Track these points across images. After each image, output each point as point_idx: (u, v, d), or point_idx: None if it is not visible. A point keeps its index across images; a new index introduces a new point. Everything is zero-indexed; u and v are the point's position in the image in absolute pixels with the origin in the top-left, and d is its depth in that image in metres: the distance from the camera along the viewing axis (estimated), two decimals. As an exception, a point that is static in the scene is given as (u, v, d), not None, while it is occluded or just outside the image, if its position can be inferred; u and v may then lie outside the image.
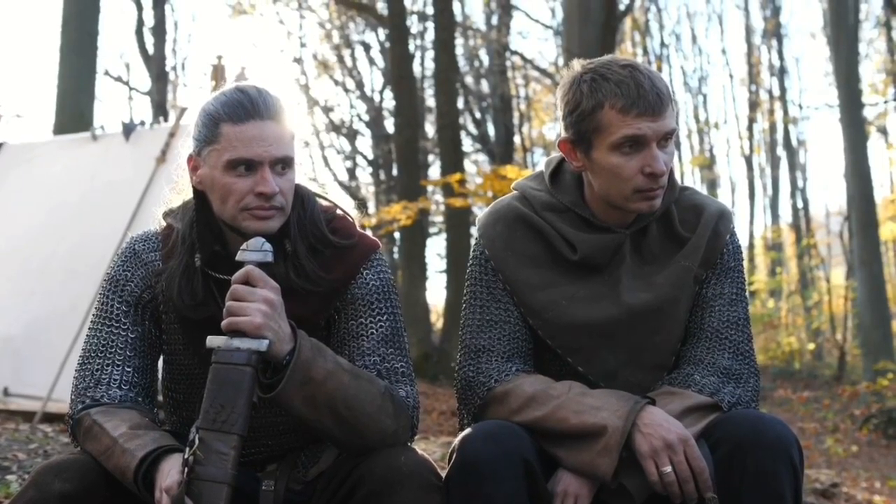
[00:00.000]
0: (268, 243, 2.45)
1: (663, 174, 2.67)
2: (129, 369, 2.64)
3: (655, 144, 2.66)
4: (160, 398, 2.83)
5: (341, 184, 31.75)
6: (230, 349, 2.37)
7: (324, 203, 2.77)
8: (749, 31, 37.34)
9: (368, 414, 2.45)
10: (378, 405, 2.48)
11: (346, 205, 2.81)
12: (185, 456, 2.30)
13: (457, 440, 2.57)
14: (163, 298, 2.67)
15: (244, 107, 2.51)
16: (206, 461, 2.29)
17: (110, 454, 2.41)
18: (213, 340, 2.40)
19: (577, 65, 2.78)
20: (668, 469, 2.51)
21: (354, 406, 2.43)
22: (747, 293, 2.93)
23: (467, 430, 2.59)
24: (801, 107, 37.65)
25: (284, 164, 2.54)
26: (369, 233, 2.78)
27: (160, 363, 2.77)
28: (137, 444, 2.39)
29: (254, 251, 2.44)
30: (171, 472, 2.31)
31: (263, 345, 2.36)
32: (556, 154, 2.96)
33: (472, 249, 2.92)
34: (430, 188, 19.49)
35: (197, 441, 2.31)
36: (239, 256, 2.45)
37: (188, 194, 2.71)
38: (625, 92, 2.64)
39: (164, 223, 2.77)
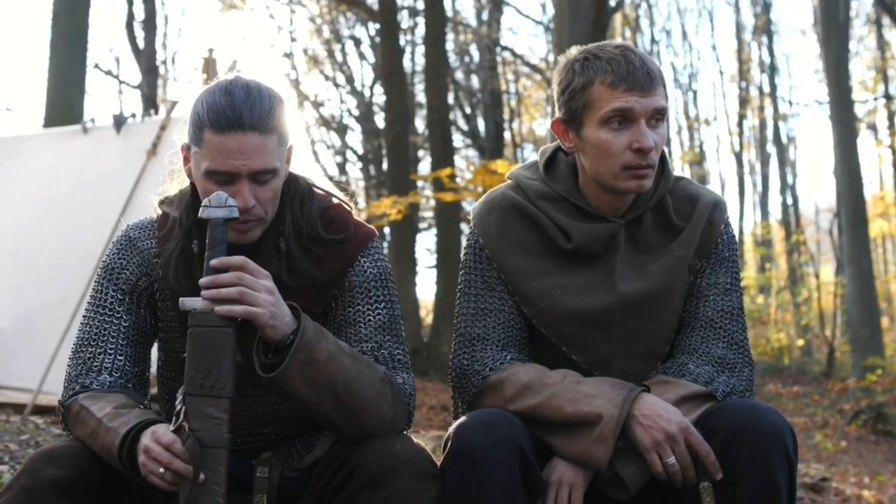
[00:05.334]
0: (231, 199, 2.41)
1: (651, 150, 2.67)
2: (120, 357, 2.64)
3: (645, 122, 2.67)
4: (154, 391, 2.82)
5: (331, 178, 31.68)
6: (207, 311, 2.35)
7: (320, 193, 2.76)
8: (739, 28, 37.44)
9: (368, 398, 2.45)
10: (377, 390, 2.48)
11: (344, 195, 2.81)
12: (178, 422, 2.31)
13: (451, 429, 2.56)
14: (159, 286, 2.67)
15: (227, 116, 2.46)
16: (200, 427, 2.29)
17: (96, 435, 2.41)
18: (187, 303, 2.39)
19: (574, 49, 2.79)
20: (672, 460, 2.52)
21: (355, 390, 2.43)
22: (742, 283, 2.94)
23: (462, 419, 2.58)
24: (790, 103, 37.87)
25: (266, 173, 2.50)
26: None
27: (154, 351, 2.76)
28: (121, 421, 2.39)
29: (217, 207, 2.40)
30: (163, 432, 2.32)
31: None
32: (550, 144, 2.97)
33: (466, 238, 2.92)
34: (420, 183, 19.49)
35: (185, 407, 2.31)
36: (202, 213, 2.41)
37: (184, 181, 2.70)
38: (615, 68, 2.66)
39: (159, 211, 2.76)
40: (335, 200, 2.77)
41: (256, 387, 2.49)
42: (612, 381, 2.66)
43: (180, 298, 2.41)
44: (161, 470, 2.26)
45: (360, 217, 2.78)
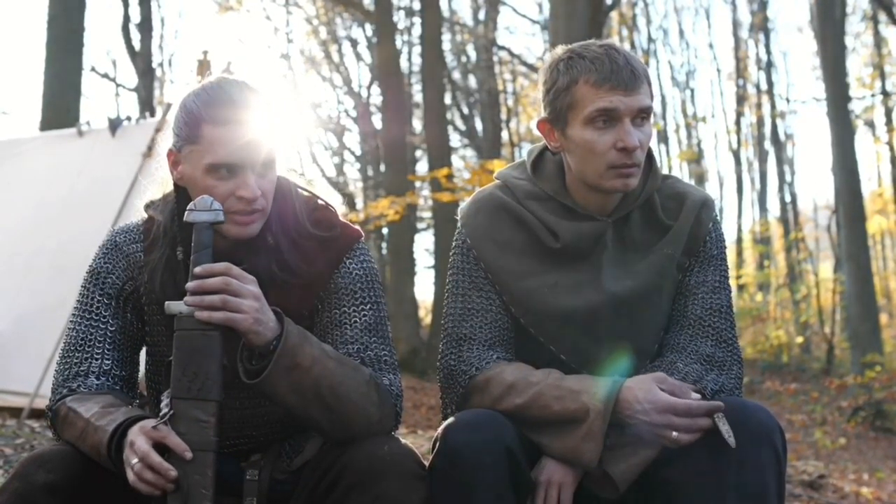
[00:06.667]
0: (216, 202, 2.40)
1: (636, 149, 2.67)
2: (108, 361, 2.64)
3: (629, 120, 2.67)
4: (144, 393, 2.82)
5: (329, 179, 31.74)
6: (193, 314, 2.34)
7: (304, 194, 2.76)
8: (736, 26, 37.45)
9: (354, 401, 2.45)
10: (363, 393, 2.47)
11: (328, 196, 2.81)
12: (162, 423, 2.30)
13: (440, 429, 2.56)
14: (145, 290, 2.67)
15: (226, 108, 2.48)
16: (187, 430, 2.29)
17: (85, 435, 2.41)
18: (172, 307, 2.38)
19: (559, 48, 2.80)
20: (675, 434, 2.51)
21: (340, 393, 2.43)
22: (730, 281, 2.94)
23: (450, 420, 2.59)
24: (788, 101, 37.78)
25: (265, 165, 2.52)
26: (352, 224, 2.78)
27: (143, 355, 2.76)
28: (109, 419, 2.39)
29: (203, 211, 2.38)
30: (147, 425, 2.31)
31: None
32: (538, 143, 2.98)
33: (454, 238, 2.93)
34: (417, 183, 19.52)
35: (171, 410, 2.31)
36: (187, 217, 2.39)
37: (168, 186, 2.69)
38: (598, 67, 2.66)
39: (145, 215, 2.76)
40: (320, 202, 2.77)
41: (245, 389, 2.48)
42: (595, 377, 2.67)
43: (166, 302, 2.40)
44: (134, 460, 2.25)
45: (347, 219, 2.78)
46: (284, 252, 2.61)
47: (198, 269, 2.36)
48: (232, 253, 2.54)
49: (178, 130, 2.56)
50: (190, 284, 2.36)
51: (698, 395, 2.54)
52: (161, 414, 2.34)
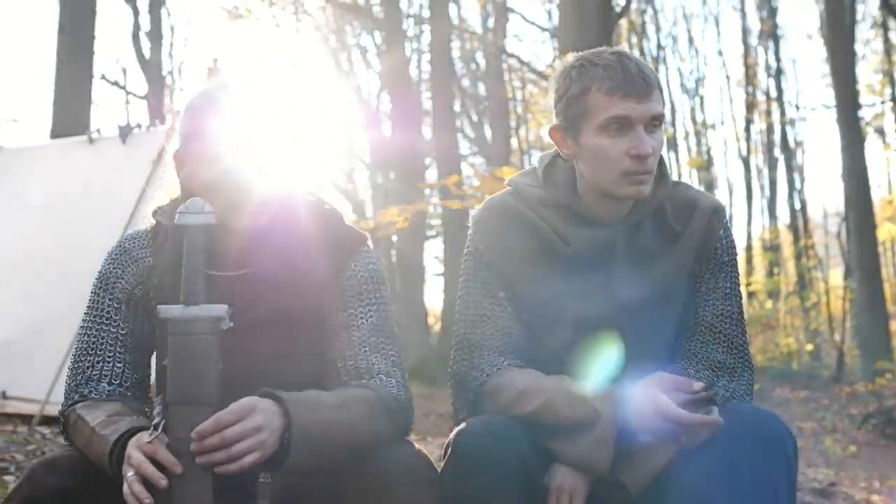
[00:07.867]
0: (208, 204, 2.35)
1: (649, 156, 2.67)
2: (119, 365, 2.65)
3: (642, 128, 2.67)
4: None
5: (338, 187, 31.77)
6: (189, 319, 2.27)
7: (311, 198, 2.77)
8: (745, 33, 37.32)
9: (367, 432, 2.44)
10: (373, 418, 2.47)
11: (334, 201, 2.81)
12: (156, 434, 2.26)
13: (451, 435, 2.57)
14: (154, 294, 2.67)
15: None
16: (186, 437, 2.23)
17: (90, 443, 2.41)
18: (167, 311, 2.30)
19: (570, 56, 2.80)
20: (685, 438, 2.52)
21: (353, 432, 2.42)
22: (741, 287, 2.94)
23: (461, 426, 2.59)
24: (798, 108, 37.69)
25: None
26: (358, 227, 2.78)
27: (153, 360, 2.76)
28: (112, 429, 2.37)
29: (195, 213, 2.32)
30: (142, 438, 2.27)
31: (223, 309, 2.28)
32: (549, 150, 2.98)
33: (465, 245, 2.93)
34: (427, 191, 19.48)
35: (165, 416, 2.27)
36: (178, 220, 2.34)
37: (176, 191, 2.71)
38: (611, 75, 2.66)
39: (153, 221, 2.77)
40: (326, 206, 2.78)
41: (252, 392, 2.47)
42: (606, 383, 2.66)
43: (158, 307, 2.34)
44: (130, 473, 2.21)
45: (355, 224, 2.79)
46: (291, 254, 2.62)
47: (193, 434, 2.23)
48: (238, 256, 2.56)
49: (182, 132, 2.58)
50: (193, 447, 2.23)
51: (701, 385, 2.54)
52: (153, 424, 2.30)
